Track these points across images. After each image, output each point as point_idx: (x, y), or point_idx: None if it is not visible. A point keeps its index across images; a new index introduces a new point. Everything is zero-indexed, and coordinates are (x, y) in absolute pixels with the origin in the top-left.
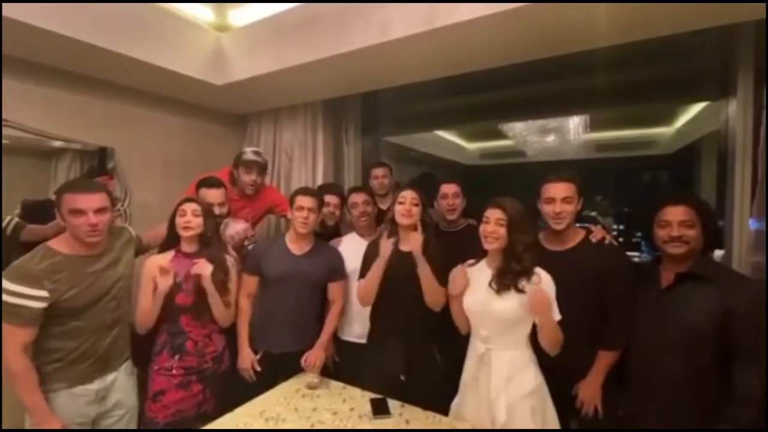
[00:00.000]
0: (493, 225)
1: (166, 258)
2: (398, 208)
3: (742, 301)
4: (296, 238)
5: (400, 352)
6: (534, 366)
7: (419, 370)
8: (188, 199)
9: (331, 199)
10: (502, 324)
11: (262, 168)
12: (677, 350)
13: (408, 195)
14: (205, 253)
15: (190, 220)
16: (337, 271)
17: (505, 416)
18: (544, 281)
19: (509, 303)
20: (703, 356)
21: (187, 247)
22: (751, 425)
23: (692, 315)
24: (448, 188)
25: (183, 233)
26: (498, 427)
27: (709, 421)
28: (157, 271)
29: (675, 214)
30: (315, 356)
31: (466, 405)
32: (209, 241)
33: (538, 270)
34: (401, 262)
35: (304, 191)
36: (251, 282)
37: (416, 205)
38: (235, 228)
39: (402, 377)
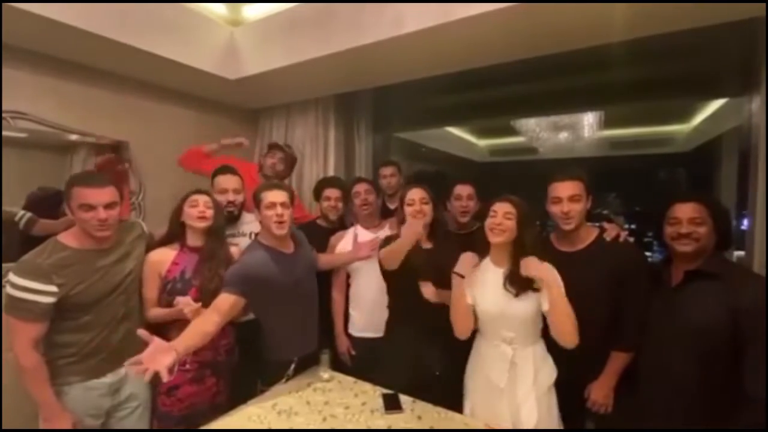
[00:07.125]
0: (501, 218)
1: (170, 252)
2: (408, 210)
3: (751, 300)
4: (282, 239)
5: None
6: (550, 357)
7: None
8: (199, 191)
9: (331, 193)
10: (525, 323)
11: (285, 154)
12: (686, 349)
13: (416, 195)
14: (209, 249)
15: (204, 210)
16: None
17: (536, 417)
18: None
19: (528, 302)
20: (712, 355)
21: (193, 241)
22: (759, 426)
23: (700, 313)
24: (463, 189)
25: (196, 224)
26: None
27: (716, 421)
28: (161, 267)
29: (684, 211)
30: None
31: (480, 408)
32: (217, 237)
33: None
34: (417, 258)
35: (268, 186)
36: (238, 303)
37: (426, 203)
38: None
39: (437, 372)
